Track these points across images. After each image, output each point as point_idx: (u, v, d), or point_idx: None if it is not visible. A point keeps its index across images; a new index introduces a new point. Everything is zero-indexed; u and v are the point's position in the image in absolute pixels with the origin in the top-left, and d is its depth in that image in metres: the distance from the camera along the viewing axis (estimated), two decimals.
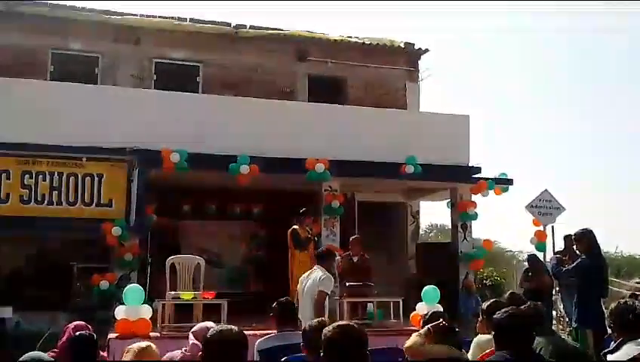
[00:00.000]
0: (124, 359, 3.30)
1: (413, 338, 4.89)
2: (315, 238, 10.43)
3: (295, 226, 10.25)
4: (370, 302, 10.02)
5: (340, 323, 3.25)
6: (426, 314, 5.79)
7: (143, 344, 3.38)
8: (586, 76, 59.45)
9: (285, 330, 5.39)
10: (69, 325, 4.76)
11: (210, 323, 4.99)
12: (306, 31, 16.87)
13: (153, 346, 3.39)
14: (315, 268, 7.76)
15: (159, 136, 11.52)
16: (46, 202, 11.24)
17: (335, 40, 16.97)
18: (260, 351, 5.19)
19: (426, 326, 4.97)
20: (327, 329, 3.09)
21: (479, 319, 5.20)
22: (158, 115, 11.96)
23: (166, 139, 11.45)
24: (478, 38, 59.62)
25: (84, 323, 4.77)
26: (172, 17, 15.77)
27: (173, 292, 9.18)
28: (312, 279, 7.57)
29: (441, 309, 7.53)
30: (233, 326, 3.09)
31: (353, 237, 10.83)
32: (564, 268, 8.28)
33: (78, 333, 4.34)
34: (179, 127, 11.81)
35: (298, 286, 7.88)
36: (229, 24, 16.12)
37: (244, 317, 8.84)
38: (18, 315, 10.23)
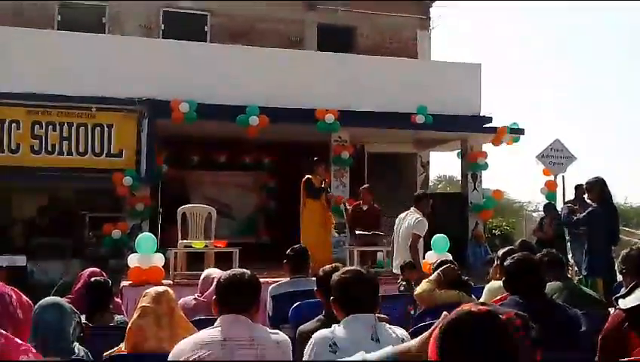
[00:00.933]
0: (140, 303, 3.34)
1: (424, 284, 4.94)
2: (328, 188, 10.41)
3: (309, 175, 10.27)
4: (379, 250, 10.09)
5: (350, 268, 3.27)
6: (435, 262, 5.84)
7: (160, 288, 3.41)
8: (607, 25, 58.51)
9: (298, 277, 5.44)
10: (84, 272, 4.81)
11: (214, 270, 5.06)
12: None
13: (170, 290, 3.42)
14: (410, 210, 8.13)
15: (168, 86, 11.47)
16: (56, 152, 11.25)
17: None
18: (273, 296, 5.25)
19: (436, 272, 5.01)
20: (336, 274, 3.10)
21: (493, 265, 5.23)
22: (167, 64, 11.88)
23: (175, 89, 11.41)
24: None
25: (98, 270, 4.82)
26: None
27: (185, 241, 9.26)
28: (407, 221, 7.93)
29: (450, 258, 7.57)
30: (246, 270, 3.11)
31: (363, 186, 10.84)
32: (575, 217, 8.29)
33: (93, 279, 4.40)
34: (188, 76, 11.75)
35: (395, 226, 8.21)
36: None
37: (256, 266, 8.89)
38: (31, 264, 10.35)
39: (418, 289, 4.96)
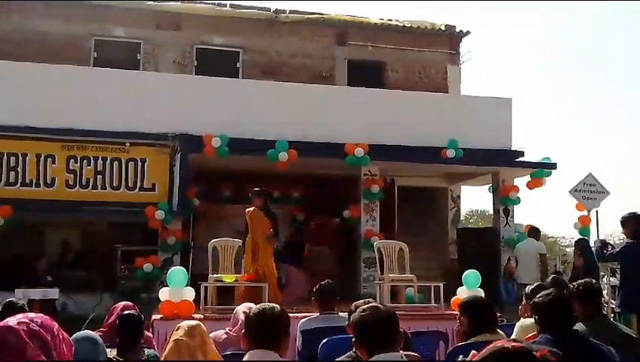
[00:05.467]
0: (173, 336, 3.36)
1: None
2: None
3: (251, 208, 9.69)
4: (410, 286, 10.01)
5: (367, 306, 3.25)
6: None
7: (193, 322, 3.43)
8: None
9: (327, 313, 5.43)
10: (117, 305, 4.85)
11: (251, 304, 5.07)
12: (345, 15, 16.80)
13: (202, 324, 3.44)
14: None
15: (200, 121, 11.66)
16: (90, 186, 11.44)
17: (375, 23, 16.88)
18: (303, 331, 5.24)
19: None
20: (355, 314, 3.09)
21: (523, 303, 5.16)
22: (199, 100, 12.08)
23: (207, 124, 11.57)
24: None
25: (131, 303, 4.86)
26: (212, 3, 15.88)
27: (215, 275, 9.29)
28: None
29: (482, 293, 7.48)
30: (275, 305, 3.11)
31: None
32: (607, 252, 8.15)
33: (126, 312, 4.44)
34: (220, 112, 11.92)
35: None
36: (268, 9, 16.17)
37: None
38: (64, 297, 10.45)
39: None
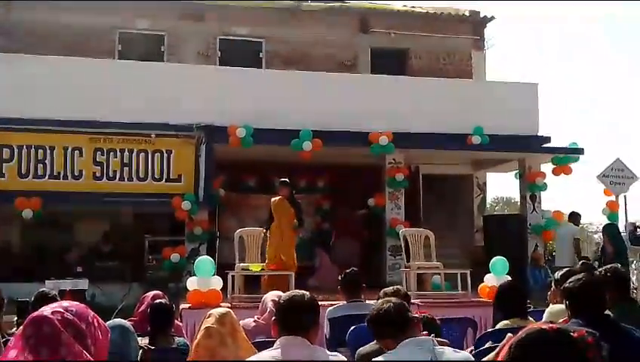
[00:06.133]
0: (204, 324, 3.39)
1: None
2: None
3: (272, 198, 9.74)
4: (437, 274, 9.99)
5: (386, 299, 3.32)
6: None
7: (223, 309, 3.47)
8: None
9: (354, 300, 5.44)
10: (147, 294, 4.91)
11: (279, 292, 5.09)
12: (368, 2, 16.72)
13: (232, 312, 3.47)
14: None
15: (225, 111, 11.70)
16: (117, 178, 11.56)
17: (398, 10, 16.79)
18: (330, 319, 5.26)
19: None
20: (375, 306, 3.16)
21: (552, 288, 5.11)
22: (223, 91, 12.12)
23: (231, 115, 11.61)
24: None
25: (161, 293, 4.92)
26: None
27: (242, 264, 9.35)
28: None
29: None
30: (305, 292, 3.13)
31: None
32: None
33: (157, 301, 4.49)
34: (244, 102, 11.95)
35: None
36: None
37: (311, 289, 8.91)
38: (93, 287, 10.59)
39: None
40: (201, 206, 11.53)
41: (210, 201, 11.79)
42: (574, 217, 12.25)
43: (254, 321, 4.80)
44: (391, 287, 3.73)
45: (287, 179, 9.90)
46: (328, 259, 12.64)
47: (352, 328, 4.53)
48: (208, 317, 3.40)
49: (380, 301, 3.32)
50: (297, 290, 3.20)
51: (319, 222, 14.91)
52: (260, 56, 15.89)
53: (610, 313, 3.75)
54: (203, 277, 8.24)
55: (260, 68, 15.28)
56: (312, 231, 14.50)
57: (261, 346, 3.34)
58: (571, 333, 1.48)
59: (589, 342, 1.48)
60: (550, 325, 1.52)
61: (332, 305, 5.73)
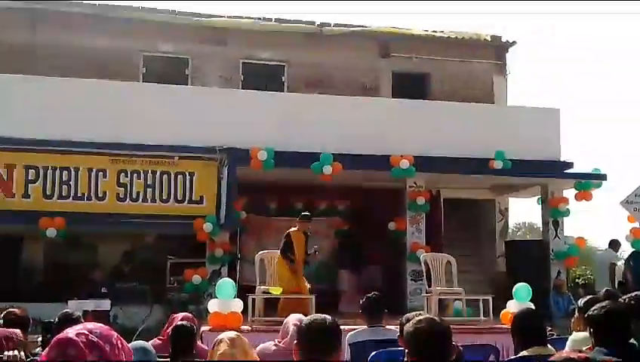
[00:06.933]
0: (217, 350, 3.38)
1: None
2: (314, 251, 9.90)
3: (291, 229, 9.84)
4: (458, 299, 9.91)
5: (421, 317, 3.20)
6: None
7: (232, 333, 3.46)
8: None
9: (375, 325, 5.41)
10: (176, 315, 4.95)
11: (301, 316, 5.08)
12: (389, 27, 16.82)
13: (241, 335, 3.47)
14: None
15: (247, 134, 11.78)
16: (140, 199, 11.66)
17: (419, 35, 16.85)
18: (351, 344, 5.23)
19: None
20: (409, 324, 3.06)
21: (575, 316, 5.05)
22: (245, 113, 12.22)
23: (253, 138, 11.69)
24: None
25: (190, 315, 4.94)
26: (258, 18, 16.09)
27: (262, 287, 9.35)
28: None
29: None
30: (326, 316, 3.11)
31: None
32: None
33: (178, 323, 4.52)
34: (266, 125, 12.03)
35: None
36: (313, 23, 16.30)
37: (332, 313, 8.88)
38: (115, 308, 10.64)
39: None
40: (222, 228, 11.58)
41: (232, 223, 11.83)
42: (614, 244, 12.48)
43: (275, 345, 4.78)
44: (412, 313, 3.70)
45: (309, 214, 10.01)
46: (355, 282, 12.60)
47: (374, 353, 4.51)
48: (219, 343, 3.38)
49: (424, 316, 3.19)
50: (319, 314, 3.19)
51: (340, 242, 14.76)
52: (282, 79, 16.02)
53: (635, 342, 3.71)
54: (224, 300, 8.25)
55: (282, 91, 15.41)
56: (335, 254, 14.38)
57: None
58: None
59: None
60: (578, 354, 1.51)
61: (352, 329, 5.70)
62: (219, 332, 7.23)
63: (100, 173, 11.61)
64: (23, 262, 13.02)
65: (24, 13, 14.80)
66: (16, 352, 3.24)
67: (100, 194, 11.57)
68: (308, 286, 9.58)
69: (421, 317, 3.11)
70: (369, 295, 5.76)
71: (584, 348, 3.96)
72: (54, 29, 14.69)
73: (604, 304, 3.80)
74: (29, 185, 11.36)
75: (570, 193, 13.20)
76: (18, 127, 11.29)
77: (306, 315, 3.70)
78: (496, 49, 17.19)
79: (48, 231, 10.93)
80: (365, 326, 5.55)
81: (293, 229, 9.78)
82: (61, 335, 2.11)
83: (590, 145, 54.24)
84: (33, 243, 12.90)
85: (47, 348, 2.10)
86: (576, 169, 13.30)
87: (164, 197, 11.70)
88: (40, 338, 5.49)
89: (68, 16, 14.80)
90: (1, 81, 11.88)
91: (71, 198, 11.46)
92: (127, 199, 11.63)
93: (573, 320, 5.19)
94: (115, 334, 2.14)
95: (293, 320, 4.55)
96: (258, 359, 3.53)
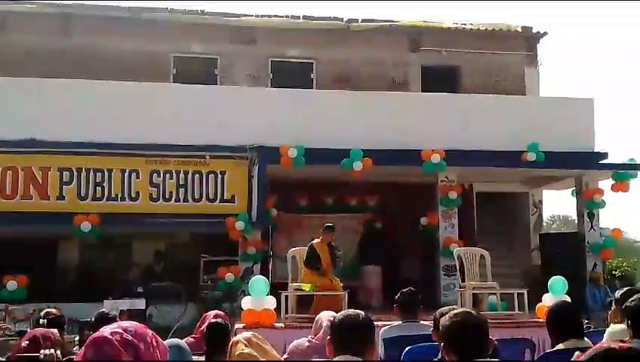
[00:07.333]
0: (235, 351, 3.41)
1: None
2: (337, 259, 9.94)
3: (315, 241, 9.86)
4: (493, 293, 9.81)
5: (459, 310, 3.17)
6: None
7: (248, 334, 3.50)
8: None
9: (409, 320, 5.39)
10: (209, 313, 5.00)
11: (333, 313, 5.08)
12: (418, 20, 16.71)
13: (256, 334, 3.50)
14: None
15: (277, 132, 11.81)
16: (173, 199, 11.78)
17: (448, 28, 16.71)
18: (385, 339, 5.22)
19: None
20: (445, 317, 3.04)
21: (612, 308, 4.97)
22: (275, 112, 12.25)
23: (283, 135, 11.71)
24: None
25: (223, 313, 4.98)
26: (286, 16, 16.11)
27: (295, 284, 9.38)
28: None
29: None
30: (360, 311, 3.11)
31: None
32: None
33: (213, 320, 4.55)
34: (296, 122, 12.05)
35: None
36: (341, 19, 16.27)
37: (363, 309, 8.86)
38: (150, 308, 10.75)
39: None
40: (254, 226, 11.64)
41: (263, 221, 11.87)
42: None
43: (308, 341, 4.79)
44: (447, 307, 3.67)
45: (333, 225, 10.08)
46: (377, 278, 12.46)
47: (408, 348, 4.49)
48: (236, 344, 3.41)
49: (460, 309, 3.16)
50: (352, 309, 3.18)
51: (365, 232, 14.61)
52: (311, 76, 16.03)
53: None
54: (257, 297, 8.29)
55: (311, 88, 15.42)
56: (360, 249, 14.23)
57: None
58: None
59: None
60: (620, 344, 1.48)
61: (385, 325, 5.68)
62: (252, 329, 7.32)
63: (133, 174, 11.76)
64: (58, 263, 13.26)
65: (57, 17, 15.04)
66: (52, 351, 3.30)
67: (133, 195, 11.71)
68: (340, 284, 9.57)
69: (458, 311, 3.09)
70: (404, 290, 5.73)
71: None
72: (87, 33, 14.91)
73: None
74: (64, 186, 11.54)
75: (605, 184, 12.99)
76: (52, 130, 11.49)
77: (338, 312, 3.69)
78: (527, 40, 16.97)
79: (83, 225, 11.07)
80: (399, 322, 5.52)
81: (316, 241, 9.81)
82: (96, 334, 2.13)
83: (627, 136, 53.27)
84: (68, 245, 13.12)
85: (83, 347, 2.13)
86: (610, 159, 13.06)
87: (196, 197, 11.80)
88: (77, 338, 5.58)
89: (100, 19, 15.01)
90: (34, 84, 12.08)
91: (105, 199, 11.62)
92: (160, 199, 11.75)
93: (610, 313, 5.11)
94: (150, 332, 2.16)
95: (326, 316, 4.55)
96: (277, 355, 3.55)
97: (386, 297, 11.07)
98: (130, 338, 2.10)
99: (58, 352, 3.76)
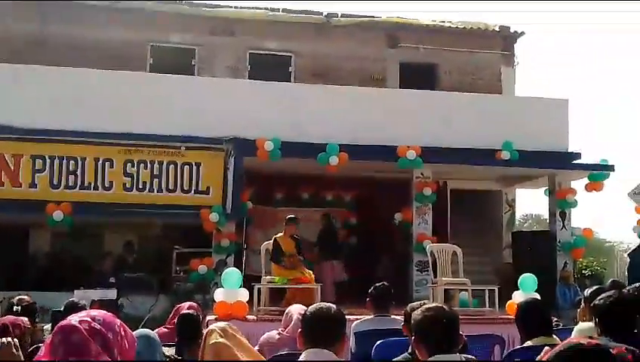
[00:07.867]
0: (209, 341, 3.41)
1: None
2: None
3: (278, 235, 9.84)
4: (464, 290, 9.90)
5: (432, 305, 3.20)
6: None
7: (222, 324, 3.50)
8: None
9: (381, 315, 5.41)
10: (182, 304, 4.99)
11: (303, 306, 5.09)
12: (397, 17, 16.75)
13: (231, 324, 3.51)
14: None
15: (253, 124, 11.77)
16: (147, 190, 11.68)
17: (427, 25, 16.77)
18: (356, 333, 5.24)
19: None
20: (418, 311, 3.06)
21: (581, 306, 5.04)
22: (252, 104, 12.20)
23: (260, 128, 11.68)
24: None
25: (196, 304, 4.97)
26: (265, 8, 16.05)
27: (268, 277, 9.37)
28: None
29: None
30: (331, 305, 3.12)
31: None
32: None
33: (184, 312, 4.53)
34: (272, 115, 12.01)
35: None
36: (320, 13, 16.24)
37: (337, 302, 8.88)
38: (121, 298, 10.67)
39: None
40: (228, 218, 11.59)
41: (238, 213, 11.84)
42: None
43: (278, 334, 4.80)
44: (417, 303, 3.69)
45: (294, 216, 10.09)
46: (333, 273, 12.26)
47: (379, 342, 4.51)
48: (210, 334, 3.42)
49: (433, 304, 3.19)
50: (323, 303, 3.19)
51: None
52: (290, 70, 15.99)
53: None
54: (230, 289, 8.28)
55: (289, 82, 15.38)
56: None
57: (286, 359, 3.34)
58: (610, 349, 1.46)
59: (629, 360, 1.46)
60: (588, 340, 1.50)
61: (357, 319, 5.70)
62: (225, 321, 7.31)
63: (107, 163, 11.63)
64: (29, 252, 13.09)
65: (34, 5, 14.80)
66: (9, 339, 3.27)
67: (106, 184, 11.59)
68: (312, 276, 9.54)
69: (430, 306, 3.12)
70: (377, 284, 5.75)
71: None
72: (64, 21, 14.70)
73: (609, 294, 3.80)
74: (36, 174, 11.38)
75: (578, 184, 13.14)
76: (25, 117, 11.33)
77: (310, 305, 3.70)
78: (505, 39, 17.10)
79: (55, 214, 10.93)
80: (371, 316, 5.54)
81: (279, 235, 9.79)
82: (64, 322, 2.11)
83: (600, 137, 54.00)
84: (40, 233, 12.97)
85: (50, 335, 2.11)
86: (584, 160, 13.21)
87: (170, 188, 11.72)
88: (48, 326, 5.53)
89: (77, 7, 14.80)
90: (9, 71, 11.91)
91: (78, 188, 11.48)
92: (134, 189, 11.65)
93: (579, 311, 5.18)
94: (119, 321, 2.14)
95: (296, 309, 4.56)
96: (251, 347, 3.57)
97: (339, 294, 11.01)
98: (98, 326, 2.08)
99: (22, 341, 3.71)
